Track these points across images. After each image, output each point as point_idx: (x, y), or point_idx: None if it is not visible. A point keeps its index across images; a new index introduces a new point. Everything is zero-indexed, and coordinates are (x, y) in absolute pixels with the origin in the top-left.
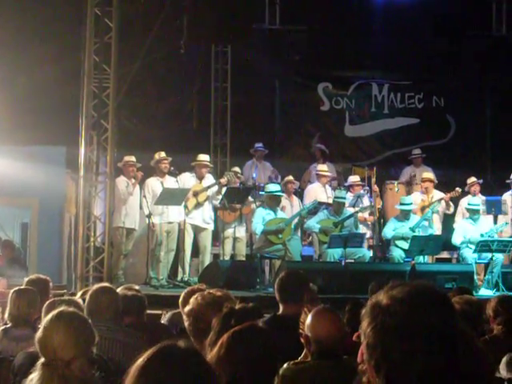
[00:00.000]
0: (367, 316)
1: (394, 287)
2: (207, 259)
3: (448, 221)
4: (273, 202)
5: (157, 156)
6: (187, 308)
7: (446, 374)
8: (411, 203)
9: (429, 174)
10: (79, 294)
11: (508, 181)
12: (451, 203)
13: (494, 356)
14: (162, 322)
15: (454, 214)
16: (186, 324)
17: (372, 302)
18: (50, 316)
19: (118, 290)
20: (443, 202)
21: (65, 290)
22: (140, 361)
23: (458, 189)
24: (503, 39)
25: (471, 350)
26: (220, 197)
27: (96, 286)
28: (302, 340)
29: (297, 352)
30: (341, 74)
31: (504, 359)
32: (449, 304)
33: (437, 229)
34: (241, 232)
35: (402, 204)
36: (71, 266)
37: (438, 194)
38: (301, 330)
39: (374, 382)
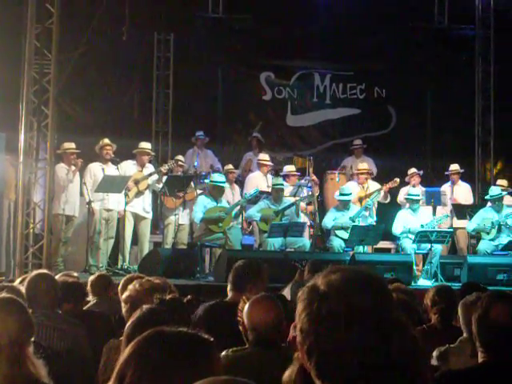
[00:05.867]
0: (303, 300)
1: (333, 272)
2: (146, 248)
3: (385, 211)
4: (216, 192)
5: (101, 142)
6: (125, 294)
7: (377, 365)
8: (351, 193)
9: (365, 165)
10: (18, 280)
11: (447, 172)
12: (388, 194)
13: (431, 345)
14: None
15: (391, 204)
16: (124, 310)
17: (309, 286)
18: None
19: (57, 276)
20: (382, 191)
21: (3, 277)
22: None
23: (396, 179)
24: (445, 31)
25: (406, 338)
26: (161, 185)
27: (34, 272)
28: (240, 328)
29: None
30: (283, 63)
31: (434, 353)
32: (386, 292)
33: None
34: (184, 219)
35: (341, 194)
36: (10, 253)
37: (373, 185)
38: (239, 318)
39: (306, 366)
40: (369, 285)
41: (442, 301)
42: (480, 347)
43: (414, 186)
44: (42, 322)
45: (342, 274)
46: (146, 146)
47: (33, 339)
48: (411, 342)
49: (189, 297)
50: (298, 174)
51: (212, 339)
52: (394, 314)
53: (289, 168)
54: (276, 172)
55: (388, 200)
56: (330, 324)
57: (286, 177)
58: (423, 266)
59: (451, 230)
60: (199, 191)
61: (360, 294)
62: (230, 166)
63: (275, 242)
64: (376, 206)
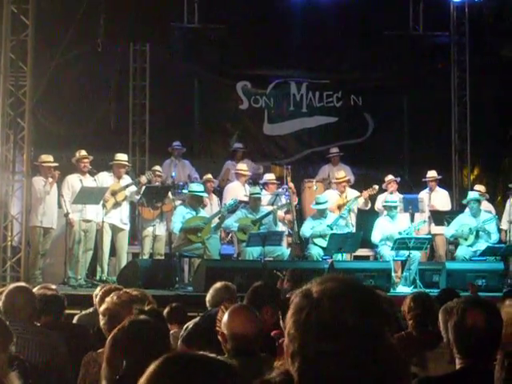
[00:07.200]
0: (294, 304)
1: (329, 280)
2: (124, 259)
3: (364, 218)
4: (195, 201)
5: (77, 154)
6: (103, 307)
7: (358, 377)
8: (326, 201)
9: (342, 174)
10: None
11: (424, 179)
12: (369, 200)
13: (408, 351)
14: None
15: (370, 212)
16: (102, 323)
17: (303, 291)
18: None
19: (35, 289)
20: (360, 199)
21: None
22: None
23: (375, 186)
24: (420, 38)
25: (393, 358)
26: (139, 196)
27: (12, 285)
28: (219, 337)
29: None
30: (259, 72)
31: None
32: (380, 310)
33: (352, 225)
34: (161, 230)
35: (317, 203)
36: None
37: (352, 193)
38: (217, 328)
39: (290, 369)
40: (363, 299)
41: (417, 307)
42: (457, 353)
43: (391, 193)
44: (20, 335)
45: (338, 283)
46: (122, 157)
47: (13, 351)
48: (398, 362)
49: (174, 304)
50: (278, 182)
51: (236, 366)
52: (385, 334)
53: (268, 176)
54: (254, 181)
55: (369, 206)
56: (317, 333)
57: (265, 185)
58: (402, 272)
59: (429, 236)
60: (178, 202)
61: (352, 307)
62: (209, 176)
63: (254, 251)
64: (356, 212)
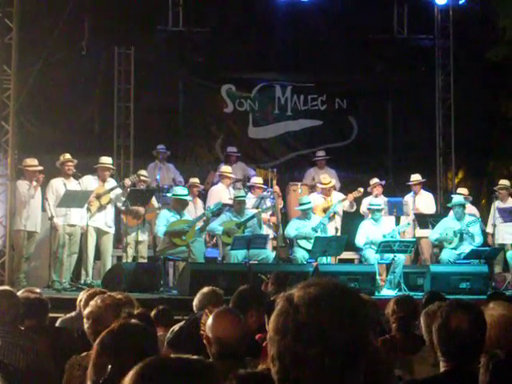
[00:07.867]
0: (276, 310)
1: (311, 285)
2: (108, 263)
3: (349, 221)
4: (179, 205)
5: (61, 158)
6: (87, 310)
7: (336, 382)
8: (309, 202)
9: (328, 179)
10: None
11: (408, 183)
12: (354, 203)
13: (392, 354)
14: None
15: (355, 215)
16: (86, 326)
17: (285, 296)
18: None
19: (19, 292)
20: (345, 202)
21: None
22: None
23: (360, 189)
24: (404, 41)
25: (366, 351)
26: (124, 199)
27: None
28: (204, 341)
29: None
30: (244, 75)
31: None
32: (359, 316)
33: (337, 228)
34: (143, 236)
35: (300, 204)
36: None
37: (337, 196)
38: (202, 331)
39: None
40: (343, 305)
41: (400, 310)
42: (441, 356)
43: (376, 197)
44: (4, 339)
45: (319, 289)
46: (106, 160)
47: None
48: (380, 366)
49: (161, 307)
50: (264, 186)
51: (215, 365)
52: (367, 339)
53: (255, 180)
54: (244, 184)
55: (354, 208)
56: (294, 337)
57: (251, 188)
58: (386, 275)
59: (414, 239)
60: (163, 208)
61: (330, 312)
62: (196, 180)
63: (238, 255)
64: (341, 215)
